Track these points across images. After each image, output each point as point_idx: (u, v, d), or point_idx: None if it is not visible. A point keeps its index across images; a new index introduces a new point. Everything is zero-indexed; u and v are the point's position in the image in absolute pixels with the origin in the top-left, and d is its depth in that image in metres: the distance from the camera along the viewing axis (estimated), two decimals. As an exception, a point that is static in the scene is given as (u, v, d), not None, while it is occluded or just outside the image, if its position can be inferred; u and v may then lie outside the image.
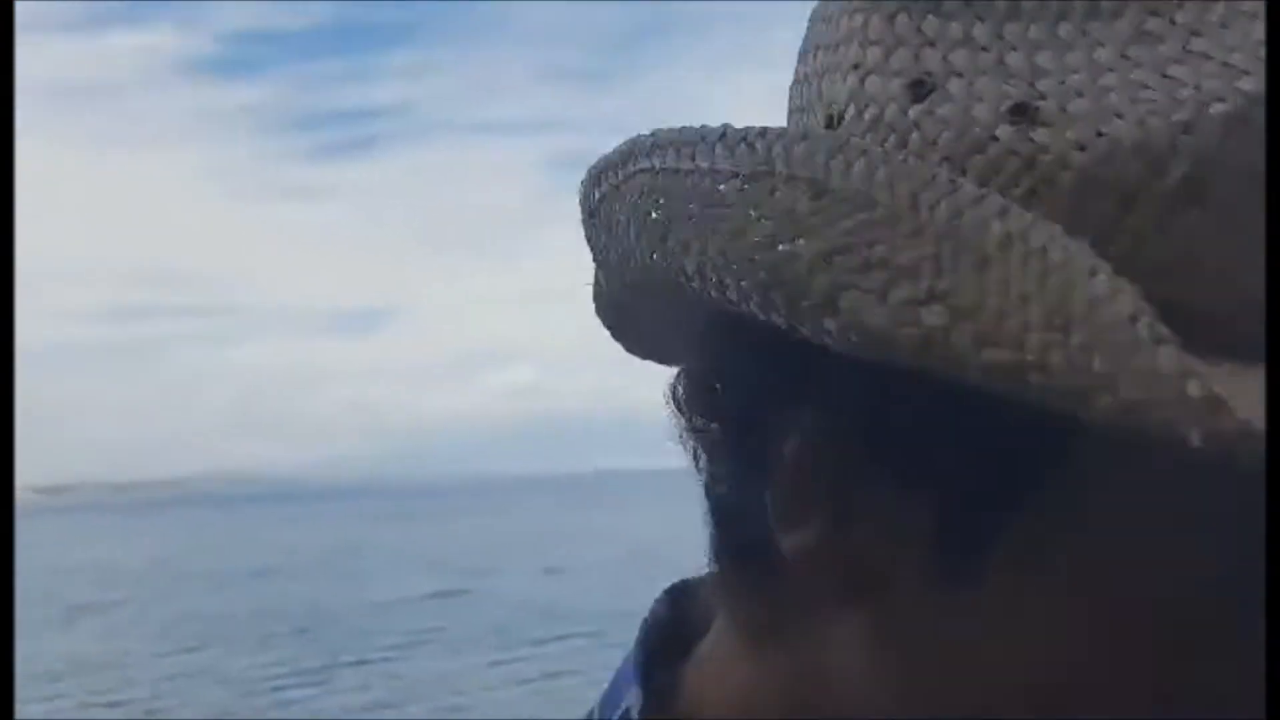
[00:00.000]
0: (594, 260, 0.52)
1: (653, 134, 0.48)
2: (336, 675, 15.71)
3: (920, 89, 0.45)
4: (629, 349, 0.58)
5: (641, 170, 0.48)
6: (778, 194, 0.43)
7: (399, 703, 14.06)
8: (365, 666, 16.19)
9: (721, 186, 0.44)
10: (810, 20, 0.52)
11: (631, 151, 0.49)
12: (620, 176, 0.48)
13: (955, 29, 0.45)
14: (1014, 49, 0.44)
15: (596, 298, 0.55)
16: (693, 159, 0.45)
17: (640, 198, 0.47)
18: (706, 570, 0.52)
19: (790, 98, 0.53)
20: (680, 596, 0.56)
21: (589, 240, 0.52)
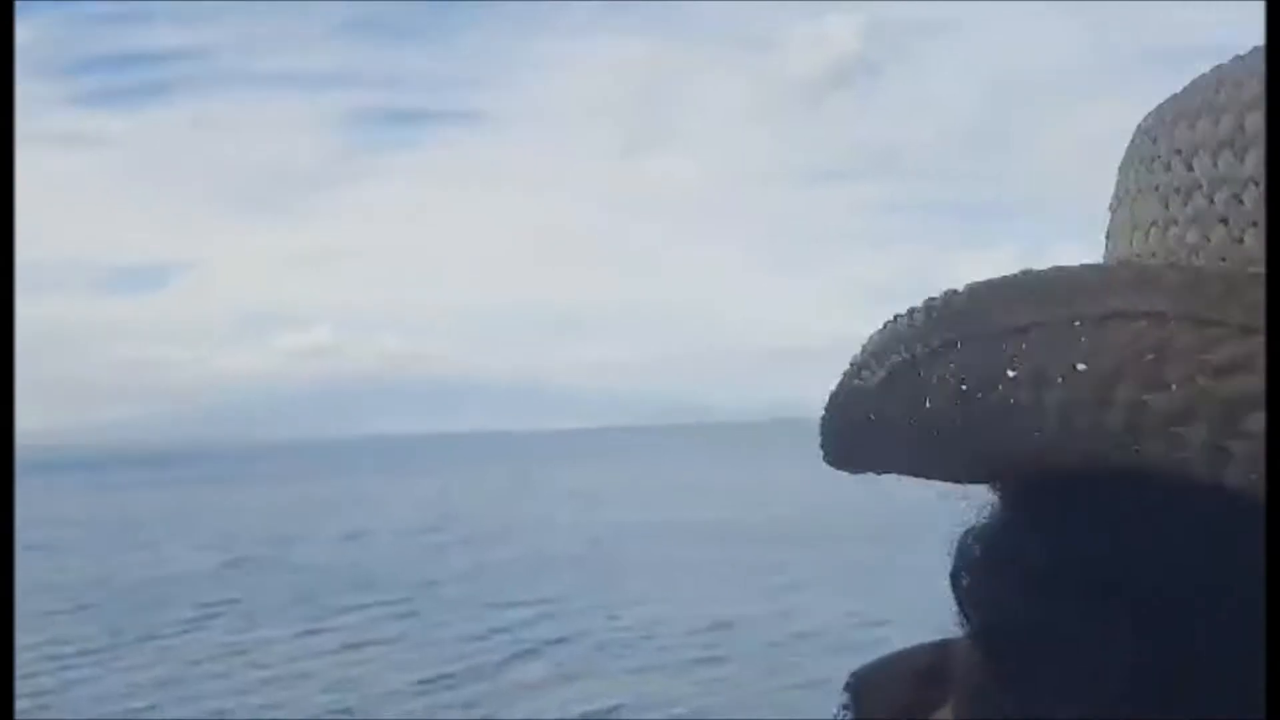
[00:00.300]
0: (890, 409, 0.43)
1: (1058, 270, 0.38)
2: (122, 652, 14.95)
3: None
4: (850, 468, 0.50)
5: (1070, 322, 0.37)
6: None
7: (192, 679, 13.47)
8: (153, 642, 15.49)
9: None
10: (1198, 104, 0.42)
11: (1024, 287, 0.39)
12: (1023, 319, 0.39)
13: None
14: None
15: (838, 431, 0.47)
16: (1202, 326, 0.36)
17: (1086, 357, 0.37)
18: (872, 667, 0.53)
19: (1160, 197, 0.42)
20: (864, 687, 0.54)
21: (884, 377, 0.42)
